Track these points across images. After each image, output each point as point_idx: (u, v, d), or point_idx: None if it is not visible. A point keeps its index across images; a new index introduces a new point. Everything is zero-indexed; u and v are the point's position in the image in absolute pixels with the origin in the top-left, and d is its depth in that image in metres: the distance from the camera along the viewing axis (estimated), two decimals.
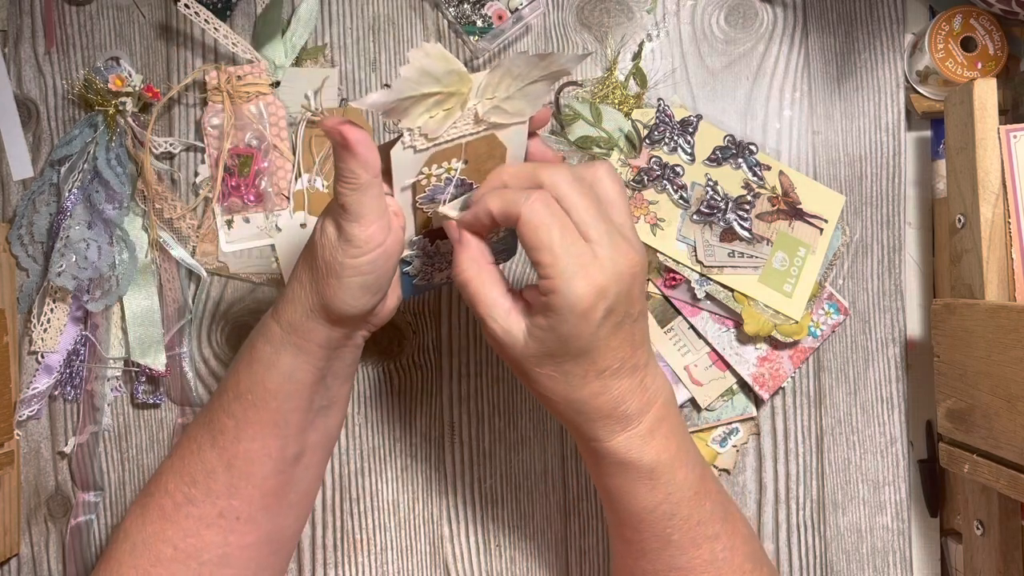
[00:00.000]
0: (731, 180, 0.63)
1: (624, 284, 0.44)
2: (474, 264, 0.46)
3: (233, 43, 0.62)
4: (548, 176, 0.44)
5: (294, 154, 0.64)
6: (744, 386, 0.65)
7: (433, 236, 0.50)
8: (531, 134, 0.48)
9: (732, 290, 0.63)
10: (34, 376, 0.63)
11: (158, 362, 0.63)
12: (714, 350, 0.64)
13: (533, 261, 0.43)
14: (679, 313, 0.64)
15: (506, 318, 0.45)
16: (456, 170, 0.47)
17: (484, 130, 0.46)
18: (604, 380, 0.45)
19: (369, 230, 0.44)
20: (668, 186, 0.63)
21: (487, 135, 0.46)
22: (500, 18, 0.64)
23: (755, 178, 0.63)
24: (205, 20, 0.61)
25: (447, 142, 0.45)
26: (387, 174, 0.45)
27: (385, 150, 0.45)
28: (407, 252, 0.50)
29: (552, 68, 0.44)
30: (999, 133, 0.56)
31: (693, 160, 0.63)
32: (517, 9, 0.64)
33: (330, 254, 0.45)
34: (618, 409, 0.46)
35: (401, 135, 0.44)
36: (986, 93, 0.57)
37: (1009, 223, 0.56)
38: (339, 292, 0.46)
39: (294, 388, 0.49)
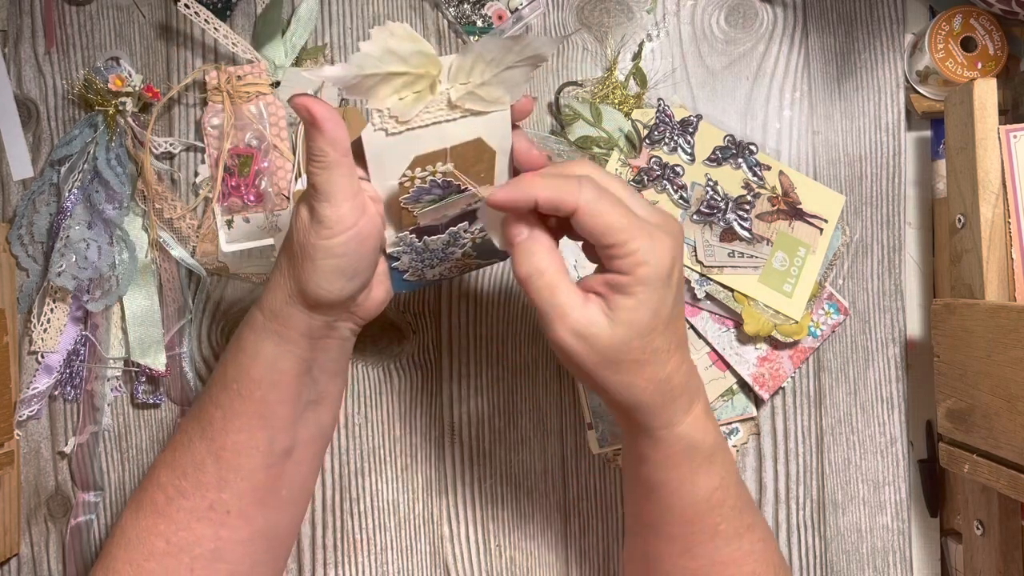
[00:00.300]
0: (731, 180, 0.63)
1: (680, 244, 0.45)
2: (547, 255, 0.44)
3: (233, 43, 0.62)
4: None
5: (294, 154, 0.64)
6: (744, 386, 0.65)
7: (421, 233, 0.50)
8: (514, 126, 0.47)
9: (732, 290, 0.63)
10: (34, 376, 0.63)
11: (158, 362, 0.63)
12: (714, 350, 0.64)
13: (605, 245, 0.42)
14: None
15: (584, 309, 0.43)
16: (446, 171, 0.46)
17: (460, 116, 0.44)
18: (681, 351, 0.46)
19: (340, 210, 0.44)
20: (668, 186, 0.63)
21: (473, 139, 0.45)
22: (500, 18, 0.64)
23: (755, 178, 0.63)
24: (205, 20, 0.61)
25: (422, 127, 0.44)
26: (362, 159, 0.45)
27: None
28: (394, 248, 0.50)
29: (527, 53, 0.43)
30: (999, 133, 0.56)
31: (693, 160, 0.63)
32: (517, 9, 0.64)
33: (303, 236, 0.45)
34: (690, 382, 0.46)
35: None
36: (986, 93, 0.57)
37: (1009, 223, 0.56)
38: (313, 275, 0.46)
39: (278, 378, 0.49)
